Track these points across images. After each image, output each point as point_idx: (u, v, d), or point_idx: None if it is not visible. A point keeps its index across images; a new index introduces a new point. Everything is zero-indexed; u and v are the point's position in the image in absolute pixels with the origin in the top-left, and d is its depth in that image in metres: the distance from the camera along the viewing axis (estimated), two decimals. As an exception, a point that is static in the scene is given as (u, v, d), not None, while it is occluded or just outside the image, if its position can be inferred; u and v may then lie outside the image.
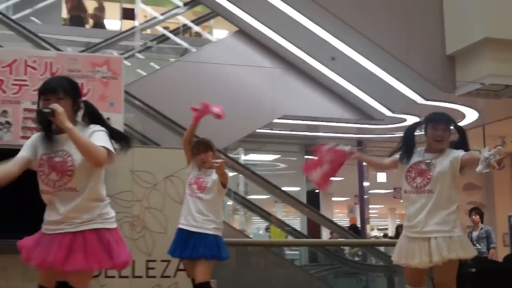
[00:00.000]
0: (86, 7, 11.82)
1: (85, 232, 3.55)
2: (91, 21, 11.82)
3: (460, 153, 4.51)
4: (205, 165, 5.39)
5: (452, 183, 4.58)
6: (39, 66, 6.10)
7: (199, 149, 5.39)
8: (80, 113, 3.69)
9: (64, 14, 12.05)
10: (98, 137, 3.50)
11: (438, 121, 4.67)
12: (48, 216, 3.60)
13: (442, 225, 4.51)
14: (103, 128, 3.60)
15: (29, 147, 3.62)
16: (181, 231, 5.31)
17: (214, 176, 5.34)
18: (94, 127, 3.59)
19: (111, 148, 3.51)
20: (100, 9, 11.88)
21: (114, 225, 3.68)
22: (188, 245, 5.24)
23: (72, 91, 3.62)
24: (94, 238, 3.55)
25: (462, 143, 4.65)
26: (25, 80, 6.04)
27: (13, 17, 9.11)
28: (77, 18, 11.54)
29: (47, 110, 3.39)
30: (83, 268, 3.49)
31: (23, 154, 3.59)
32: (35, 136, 3.69)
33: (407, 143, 4.76)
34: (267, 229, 12.80)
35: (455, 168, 4.50)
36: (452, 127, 4.71)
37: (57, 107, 3.38)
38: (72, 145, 3.47)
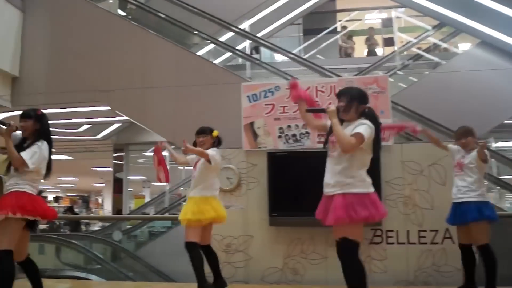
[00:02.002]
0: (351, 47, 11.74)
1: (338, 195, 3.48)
2: (365, 51, 11.70)
3: None
4: (466, 148, 4.95)
5: None
6: (326, 89, 6.09)
7: (461, 135, 4.99)
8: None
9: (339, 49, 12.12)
10: (358, 127, 3.46)
11: None
12: None
13: None
14: (368, 122, 3.51)
15: None
16: (453, 204, 4.92)
17: (472, 156, 4.82)
18: (362, 120, 3.54)
19: (364, 134, 3.42)
20: (370, 39, 11.61)
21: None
22: (457, 213, 4.82)
23: (357, 98, 3.62)
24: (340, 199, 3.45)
25: None
26: (317, 101, 6.01)
27: (304, 57, 9.30)
28: (346, 54, 11.54)
29: (319, 108, 3.74)
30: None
31: None
32: None
33: None
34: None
35: None
36: None
37: (328, 107, 3.52)
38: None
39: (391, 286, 5.58)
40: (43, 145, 4.18)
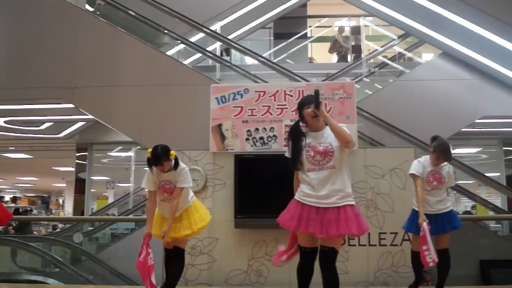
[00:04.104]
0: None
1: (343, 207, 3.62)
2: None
3: None
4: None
5: None
6: (294, 93, 6.28)
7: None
8: None
9: (309, 54, 12.31)
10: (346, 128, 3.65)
11: None
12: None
13: None
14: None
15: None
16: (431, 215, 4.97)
17: (446, 169, 5.06)
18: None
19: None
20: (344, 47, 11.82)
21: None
22: (444, 222, 4.96)
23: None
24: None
25: None
26: (285, 105, 6.25)
27: (274, 61, 9.46)
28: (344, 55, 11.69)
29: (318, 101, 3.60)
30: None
31: None
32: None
33: None
34: (472, 207, 11.86)
35: None
36: None
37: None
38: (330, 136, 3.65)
39: (352, 287, 5.84)
40: None
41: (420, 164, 5.01)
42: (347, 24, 11.40)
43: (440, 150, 4.94)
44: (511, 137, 10.71)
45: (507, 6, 7.74)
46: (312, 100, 3.67)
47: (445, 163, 5.05)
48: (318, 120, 3.69)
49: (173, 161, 4.56)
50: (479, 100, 8.49)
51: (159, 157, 4.42)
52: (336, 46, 11.74)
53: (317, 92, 3.63)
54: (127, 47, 7.84)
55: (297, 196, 3.71)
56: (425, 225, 4.71)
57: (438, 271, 5.04)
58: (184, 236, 4.64)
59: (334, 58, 12.06)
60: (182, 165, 4.68)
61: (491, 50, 8.11)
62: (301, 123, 3.79)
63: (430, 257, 4.63)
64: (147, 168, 4.67)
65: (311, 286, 3.81)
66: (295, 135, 3.76)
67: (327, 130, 3.70)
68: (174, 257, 4.72)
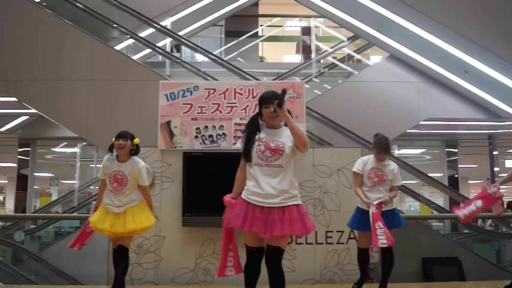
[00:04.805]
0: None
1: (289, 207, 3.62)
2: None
3: None
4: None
5: None
6: (244, 92, 6.30)
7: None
8: None
9: (260, 53, 12.37)
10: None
11: None
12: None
13: None
14: None
15: None
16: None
17: (390, 168, 5.08)
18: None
19: None
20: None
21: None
22: (389, 219, 4.94)
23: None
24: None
25: None
26: (235, 103, 6.27)
27: (225, 59, 9.46)
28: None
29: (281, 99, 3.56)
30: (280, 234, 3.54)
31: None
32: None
33: None
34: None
35: None
36: None
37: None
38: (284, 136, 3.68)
39: (299, 285, 5.91)
40: None
41: (362, 161, 5.11)
42: (299, 24, 11.52)
43: (379, 144, 5.04)
44: (454, 139, 11.09)
45: (453, 12, 8.05)
46: (273, 99, 3.65)
47: (390, 162, 5.16)
48: (276, 119, 3.70)
49: (134, 147, 4.75)
50: (424, 102, 8.80)
51: (125, 133, 4.71)
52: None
53: (284, 91, 3.62)
54: (74, 40, 7.68)
55: (243, 194, 3.71)
56: (372, 208, 4.76)
57: (382, 269, 5.16)
58: (129, 233, 4.65)
59: (285, 57, 12.16)
60: (141, 161, 4.80)
61: (437, 54, 8.43)
62: (260, 121, 3.80)
63: (382, 238, 4.65)
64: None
65: (258, 284, 3.81)
66: (252, 127, 3.78)
67: (283, 130, 3.73)
68: (119, 256, 4.71)
